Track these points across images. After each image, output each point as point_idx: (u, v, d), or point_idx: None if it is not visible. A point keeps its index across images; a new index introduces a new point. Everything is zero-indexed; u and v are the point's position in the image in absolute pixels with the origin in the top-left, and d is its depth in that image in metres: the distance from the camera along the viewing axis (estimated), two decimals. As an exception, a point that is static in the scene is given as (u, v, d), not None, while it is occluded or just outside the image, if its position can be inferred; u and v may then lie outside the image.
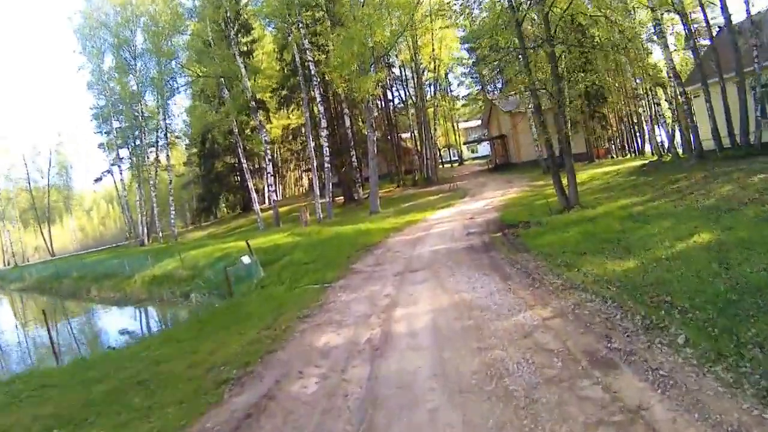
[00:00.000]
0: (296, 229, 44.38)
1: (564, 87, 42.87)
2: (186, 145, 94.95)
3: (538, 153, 60.85)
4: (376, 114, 70.39)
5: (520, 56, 32.78)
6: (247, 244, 31.26)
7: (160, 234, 73.96)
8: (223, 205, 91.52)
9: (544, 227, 24.80)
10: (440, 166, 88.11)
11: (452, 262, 20.95)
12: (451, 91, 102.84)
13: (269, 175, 57.15)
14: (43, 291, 57.16)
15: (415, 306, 15.18)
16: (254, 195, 59.61)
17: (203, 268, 35.60)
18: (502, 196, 45.92)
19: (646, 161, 48.11)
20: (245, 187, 70.47)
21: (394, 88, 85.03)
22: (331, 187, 54.74)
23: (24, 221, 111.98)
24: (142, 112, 70.64)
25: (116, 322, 32.83)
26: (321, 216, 52.14)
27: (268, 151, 56.61)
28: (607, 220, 22.53)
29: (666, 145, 54.67)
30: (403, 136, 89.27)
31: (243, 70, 55.15)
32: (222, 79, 57.50)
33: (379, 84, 61.31)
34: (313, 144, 56.70)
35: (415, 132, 78.48)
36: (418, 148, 77.22)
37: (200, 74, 58.83)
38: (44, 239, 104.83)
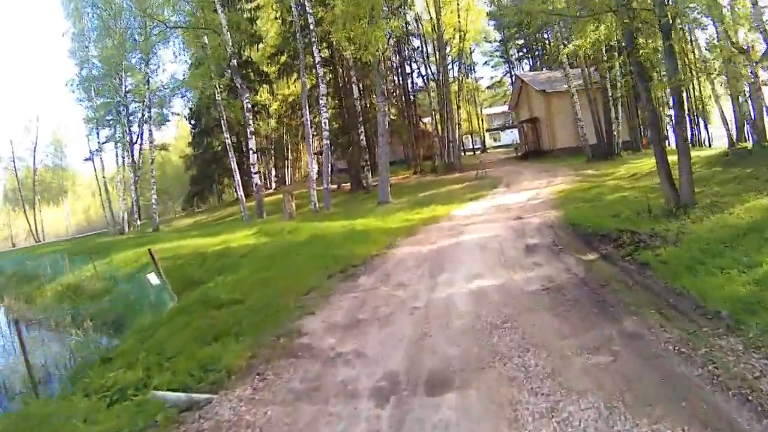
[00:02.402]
0: (271, 225, 32.64)
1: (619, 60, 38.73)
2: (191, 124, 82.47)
3: (583, 138, 50.02)
4: (389, 85, 62.38)
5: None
6: (151, 255, 18.61)
7: (137, 222, 64.72)
8: (218, 188, 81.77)
9: (680, 245, 13.38)
10: (462, 153, 75.02)
11: (537, 352, 8.68)
12: (474, 71, 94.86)
13: (251, 152, 45.60)
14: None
15: None
16: (237, 178, 49.01)
17: (122, 280, 25.11)
18: (548, 186, 34.45)
19: (719, 150, 38.18)
20: (243, 169, 62.82)
21: (413, 63, 72.33)
22: (330, 170, 45.10)
23: (13, 203, 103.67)
24: (122, 80, 59.92)
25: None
26: (316, 206, 41.44)
27: (250, 122, 45.25)
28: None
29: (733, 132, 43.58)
30: (423, 120, 78.72)
31: (223, 20, 43.81)
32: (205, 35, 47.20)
33: (393, 38, 53.62)
34: (311, 118, 47.78)
35: (436, 114, 66.59)
36: (439, 130, 65.49)
37: (170, 25, 47.39)
38: (28, 223, 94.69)
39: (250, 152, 45.09)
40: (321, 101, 42.50)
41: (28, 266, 39.51)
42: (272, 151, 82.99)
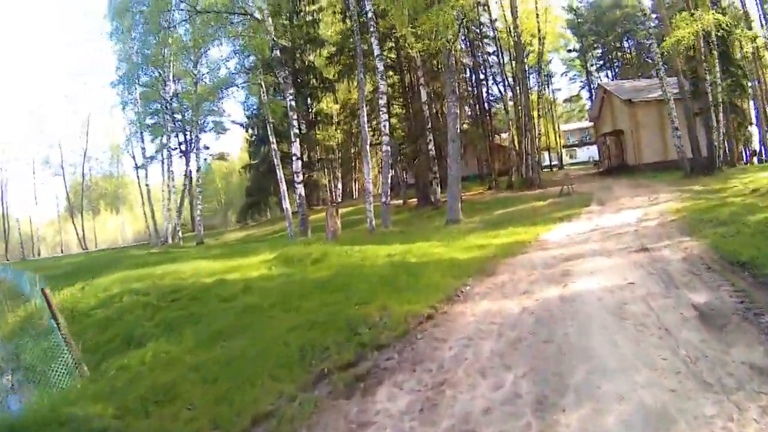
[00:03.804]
0: (297, 249, 23.72)
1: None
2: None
3: (680, 151, 42.49)
4: (461, 89, 54.32)
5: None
6: (46, 298, 11.74)
7: (180, 235, 56.90)
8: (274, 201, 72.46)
9: None
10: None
11: None
12: (551, 83, 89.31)
13: (294, 158, 37.72)
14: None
15: None
16: (283, 188, 41.57)
17: (84, 314, 17.93)
18: (655, 204, 27.63)
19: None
20: (308, 181, 57.38)
21: (488, 69, 65.28)
22: (389, 181, 37.96)
23: (69, 210, 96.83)
24: (165, 82, 54.20)
25: None
26: (373, 224, 34.52)
27: (294, 123, 38.45)
28: None
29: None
30: (499, 135, 71.01)
31: (262, 2, 37.52)
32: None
33: (465, 25, 45.62)
34: (373, 124, 44.64)
35: (512, 126, 59.91)
36: (516, 143, 59.29)
37: (199, 9, 40.10)
38: (76, 231, 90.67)
39: (293, 159, 37.83)
40: (381, 100, 35.57)
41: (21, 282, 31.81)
42: (338, 162, 76.48)
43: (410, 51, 38.64)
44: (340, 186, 79.60)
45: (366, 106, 39.97)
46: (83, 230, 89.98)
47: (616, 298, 10.97)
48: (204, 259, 27.07)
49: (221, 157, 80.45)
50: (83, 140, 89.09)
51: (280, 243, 33.37)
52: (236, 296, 15.29)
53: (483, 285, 13.72)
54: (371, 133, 44.85)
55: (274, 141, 42.66)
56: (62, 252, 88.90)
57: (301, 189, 37.70)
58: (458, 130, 35.06)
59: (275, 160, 41.75)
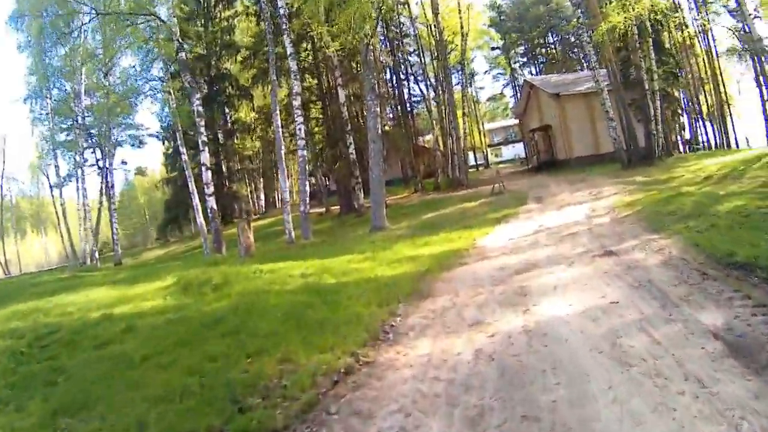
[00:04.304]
0: (196, 273, 19.33)
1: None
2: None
3: (616, 142, 41.20)
4: (382, 89, 53.42)
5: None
6: None
7: (96, 256, 52.34)
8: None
9: None
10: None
11: None
12: (474, 81, 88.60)
13: (204, 168, 34.18)
14: None
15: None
16: (196, 202, 37.81)
17: None
18: (600, 199, 25.34)
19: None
20: (227, 193, 56.52)
21: (409, 68, 64.06)
22: (307, 189, 35.17)
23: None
24: (78, 95, 49.86)
25: None
26: (292, 236, 31.95)
27: (202, 130, 34.96)
28: None
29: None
30: (422, 138, 71.70)
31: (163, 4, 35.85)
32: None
33: (383, 20, 44.36)
34: (288, 129, 43.36)
35: (437, 126, 58.19)
36: (440, 144, 56.85)
37: (100, 11, 35.92)
38: None
39: (202, 169, 34.54)
40: (295, 102, 33.22)
41: None
42: (259, 172, 74.12)
43: (327, 50, 37.55)
44: (263, 196, 77.59)
45: (281, 111, 38.32)
46: (4, 254, 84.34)
47: (603, 327, 8.12)
48: (106, 285, 24.03)
49: (140, 171, 78.26)
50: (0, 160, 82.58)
51: (193, 261, 30.83)
52: (114, 340, 12.11)
53: (418, 313, 10.81)
54: (288, 139, 43.76)
55: (185, 151, 40.01)
56: None
57: (212, 202, 34.42)
58: (379, 131, 32.99)
59: (186, 171, 39.00)
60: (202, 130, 35.09)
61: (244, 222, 28.80)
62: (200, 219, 37.04)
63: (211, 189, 34.07)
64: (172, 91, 41.23)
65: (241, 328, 10.75)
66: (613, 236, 15.53)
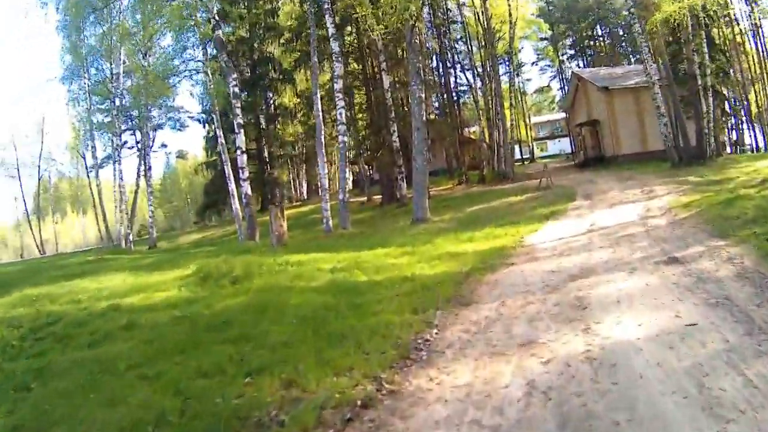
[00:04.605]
0: (221, 263, 17.68)
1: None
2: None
3: (667, 140, 39.16)
4: (428, 76, 51.48)
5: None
6: None
7: (130, 238, 50.93)
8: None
9: None
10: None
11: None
12: (521, 73, 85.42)
13: (239, 152, 33.37)
14: None
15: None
16: (232, 186, 36.22)
17: None
18: (654, 199, 23.78)
19: None
20: (268, 178, 56.47)
21: (455, 56, 62.40)
22: (347, 176, 36.24)
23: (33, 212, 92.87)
24: (113, 75, 49.62)
25: None
26: (329, 225, 30.95)
27: (238, 112, 33.50)
28: None
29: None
30: (468, 130, 68.16)
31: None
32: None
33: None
34: (328, 113, 42.25)
35: (483, 116, 56.89)
36: (486, 136, 55.51)
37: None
38: (32, 235, 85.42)
39: (237, 152, 33.72)
40: (336, 85, 31.98)
41: None
42: (302, 158, 73.26)
43: (372, 34, 35.21)
44: (305, 183, 75.90)
45: (323, 95, 37.76)
46: (40, 234, 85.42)
47: (685, 360, 6.49)
48: (128, 271, 22.74)
49: (181, 155, 77.59)
50: (38, 140, 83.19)
51: (226, 248, 30.12)
52: (111, 336, 10.96)
53: (458, 324, 9.23)
54: (330, 125, 42.44)
55: (221, 135, 38.92)
56: (22, 257, 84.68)
57: (246, 187, 33.70)
58: (424, 118, 31.66)
59: (223, 156, 38.06)
60: (239, 112, 33.82)
61: (277, 209, 27.22)
62: (235, 204, 36.02)
63: (246, 174, 33.08)
64: (209, 72, 39.95)
65: (250, 333, 9.40)
66: (674, 240, 14.02)
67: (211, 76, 40.15)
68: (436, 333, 8.69)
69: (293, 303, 11.02)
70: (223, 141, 38.56)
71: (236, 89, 33.75)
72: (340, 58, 33.01)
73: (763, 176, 24.67)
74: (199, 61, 43.62)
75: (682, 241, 13.66)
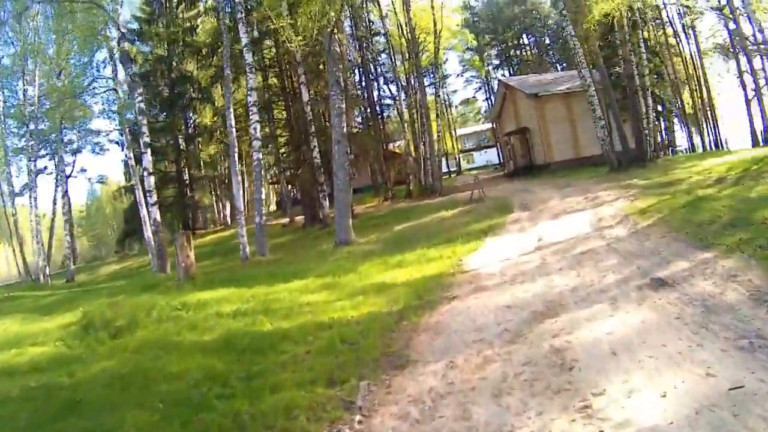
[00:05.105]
0: (101, 310, 14.39)
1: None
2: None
3: (605, 143, 37.79)
4: (350, 91, 48.84)
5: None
6: None
7: (47, 272, 47.38)
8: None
9: None
10: (436, 176, 67.83)
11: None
12: (446, 85, 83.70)
13: (146, 174, 30.67)
14: None
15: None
16: (143, 212, 33.01)
17: None
18: (598, 206, 21.71)
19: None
20: (189, 202, 53.48)
21: (378, 68, 61.53)
22: (262, 197, 33.81)
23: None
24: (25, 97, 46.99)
25: None
26: (246, 252, 28.58)
27: (144, 125, 30.76)
28: None
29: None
30: (393, 145, 67.19)
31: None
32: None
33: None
34: (245, 131, 39.42)
35: (408, 129, 52.95)
36: (412, 149, 52.19)
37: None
38: None
39: (145, 174, 31.03)
40: (249, 97, 30.44)
41: None
42: (222, 179, 67.89)
43: (290, 45, 33.20)
44: (228, 206, 70.85)
45: (240, 111, 37.92)
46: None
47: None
48: (25, 313, 21.51)
49: (102, 180, 74.11)
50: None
51: (133, 283, 27.71)
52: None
53: (390, 406, 6.40)
54: (247, 142, 40.56)
55: (132, 156, 37.27)
56: None
57: (155, 212, 30.91)
58: (345, 130, 29.47)
59: (134, 179, 36.34)
60: (145, 130, 31.22)
61: (183, 237, 23.28)
62: (148, 233, 32.69)
63: (154, 198, 30.49)
64: (118, 89, 37.72)
65: (103, 424, 6.69)
66: (647, 255, 11.79)
67: (120, 92, 37.81)
68: (360, 423, 5.99)
69: (171, 371, 8.36)
70: (134, 163, 36.52)
71: (142, 105, 31.55)
72: (253, 70, 31.80)
73: (717, 174, 24.05)
74: (109, 78, 40.80)
75: (657, 256, 11.53)
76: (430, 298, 11.09)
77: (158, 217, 31.04)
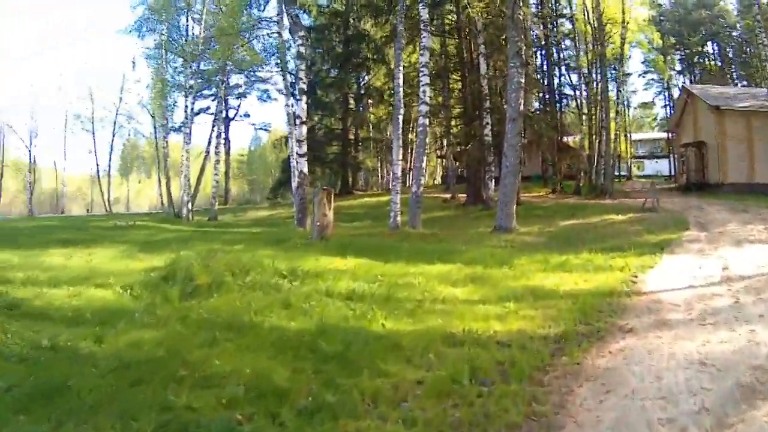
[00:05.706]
0: (190, 259, 13.22)
1: None
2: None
3: None
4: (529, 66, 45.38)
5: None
6: None
7: (190, 207, 48.46)
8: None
9: None
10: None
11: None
12: (627, 84, 79.38)
13: (299, 122, 28.56)
14: None
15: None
16: (293, 163, 31.77)
17: None
18: None
19: None
20: (351, 162, 56.11)
21: (561, 58, 59.56)
22: (423, 165, 32.06)
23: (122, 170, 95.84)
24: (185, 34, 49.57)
25: None
26: (397, 222, 27.13)
27: (302, 74, 28.73)
28: None
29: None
30: (567, 138, 63.77)
31: None
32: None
33: None
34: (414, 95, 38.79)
35: (584, 126, 54.01)
36: (586, 145, 52.10)
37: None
38: (101, 192, 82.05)
39: (296, 122, 29.46)
40: (422, 57, 29.07)
41: None
42: (387, 144, 65.30)
43: (471, 11, 33.10)
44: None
45: (408, 73, 35.85)
46: (109, 192, 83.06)
47: None
48: (129, 245, 21.65)
49: (263, 127, 79.32)
50: (116, 97, 78.53)
51: (276, 232, 27.75)
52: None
53: None
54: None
55: (292, 103, 34.80)
56: (88, 212, 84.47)
57: (303, 164, 28.80)
58: (521, 107, 27.12)
59: (289, 128, 35.86)
60: (302, 75, 29.19)
61: (323, 193, 21.30)
62: (294, 184, 30.90)
63: (304, 149, 28.51)
64: (283, 34, 37.02)
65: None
66: None
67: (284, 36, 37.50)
68: None
69: (209, 372, 6.34)
70: (291, 110, 34.50)
71: (301, 49, 29.74)
72: (428, 27, 29.51)
73: None
74: (273, 21, 39.98)
75: None
76: (598, 324, 8.60)
77: (305, 169, 29.45)
